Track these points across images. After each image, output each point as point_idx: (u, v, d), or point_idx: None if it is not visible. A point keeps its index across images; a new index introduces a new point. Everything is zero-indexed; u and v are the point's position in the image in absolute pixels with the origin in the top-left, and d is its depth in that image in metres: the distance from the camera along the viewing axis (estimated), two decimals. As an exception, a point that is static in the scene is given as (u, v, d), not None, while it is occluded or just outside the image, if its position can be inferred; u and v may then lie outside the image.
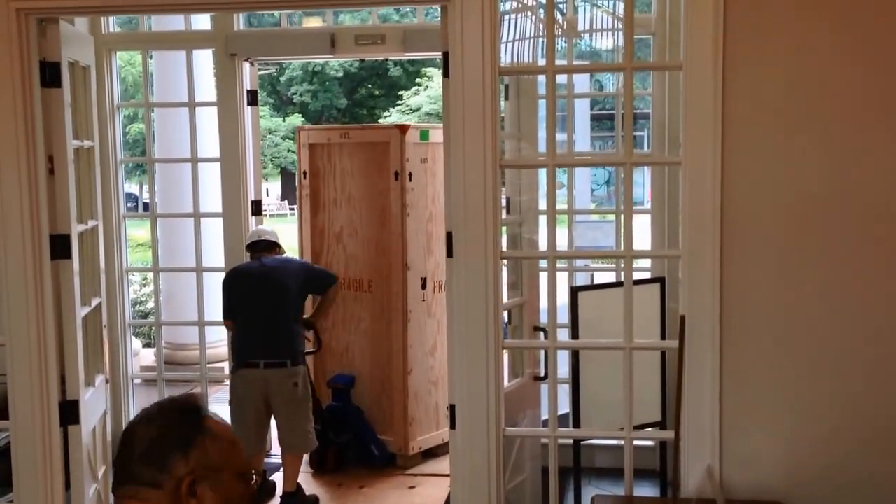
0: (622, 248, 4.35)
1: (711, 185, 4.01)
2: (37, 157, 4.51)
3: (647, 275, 6.21)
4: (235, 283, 6.36)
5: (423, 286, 6.99)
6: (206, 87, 7.99)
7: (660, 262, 6.33)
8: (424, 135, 6.95)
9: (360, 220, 7.13)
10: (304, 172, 7.31)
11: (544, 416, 5.20)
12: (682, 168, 4.11)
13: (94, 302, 5.28)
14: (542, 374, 5.30)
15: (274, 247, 6.44)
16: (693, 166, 4.05)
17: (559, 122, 6.88)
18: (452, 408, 4.40)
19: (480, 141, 4.17)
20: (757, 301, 4.08)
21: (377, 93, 35.05)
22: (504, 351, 4.47)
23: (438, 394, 7.16)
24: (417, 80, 32.86)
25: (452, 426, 4.41)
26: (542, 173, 4.79)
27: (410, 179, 6.84)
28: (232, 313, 6.36)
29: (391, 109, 33.60)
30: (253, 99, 7.03)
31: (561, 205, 7.22)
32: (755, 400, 4.12)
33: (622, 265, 4.49)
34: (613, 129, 7.27)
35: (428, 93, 31.58)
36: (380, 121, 34.28)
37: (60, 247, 4.67)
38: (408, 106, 32.39)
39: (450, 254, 4.32)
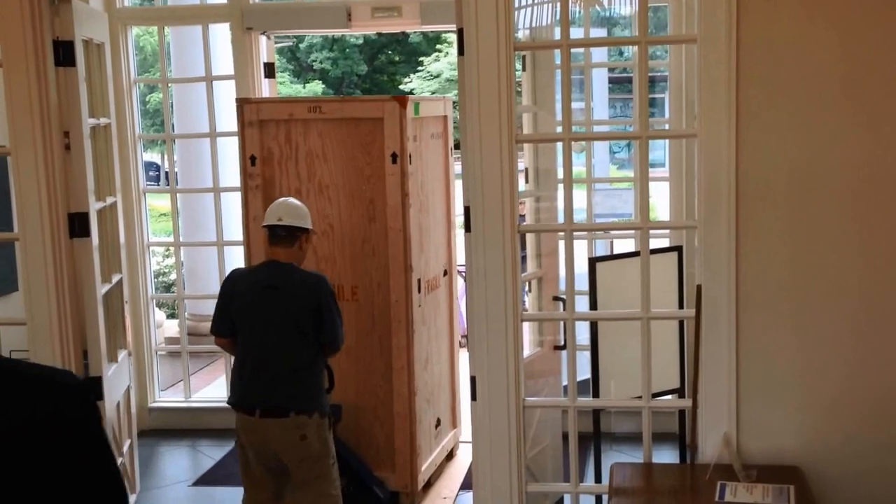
0: (639, 217, 4.35)
1: (726, 157, 4.00)
2: (52, 138, 4.55)
3: (667, 241, 6.21)
4: (233, 293, 4.90)
5: (419, 288, 5.99)
6: (224, 60, 7.99)
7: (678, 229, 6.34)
8: (417, 108, 5.96)
9: (338, 214, 5.89)
10: (252, 158, 5.91)
11: (565, 383, 5.23)
12: (698, 140, 4.10)
13: (115, 278, 5.33)
14: (562, 343, 5.33)
15: (295, 237, 4.87)
16: (708, 138, 4.03)
17: (577, 86, 6.86)
18: (473, 379, 4.42)
19: (496, 117, 4.16)
20: (772, 270, 4.08)
21: (397, 59, 34.95)
22: (523, 323, 4.48)
23: (431, 411, 6.34)
24: (438, 46, 32.71)
25: (473, 398, 4.44)
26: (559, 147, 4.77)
27: (411, 162, 5.79)
28: (227, 328, 4.91)
29: (412, 76, 33.48)
30: (270, 72, 7.04)
31: (579, 168, 7.26)
32: (771, 367, 4.12)
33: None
34: (632, 90, 7.24)
35: (449, 59, 31.42)
36: (400, 87, 34.15)
37: (79, 225, 4.71)
38: (428, 72, 32.29)
39: (468, 228, 4.33)
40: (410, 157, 5.77)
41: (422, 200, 6.04)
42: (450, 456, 6.76)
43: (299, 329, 4.76)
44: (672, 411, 5.94)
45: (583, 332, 5.32)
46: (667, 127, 7.05)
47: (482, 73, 4.14)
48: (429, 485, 6.27)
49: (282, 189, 5.87)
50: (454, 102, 5.50)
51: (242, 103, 5.95)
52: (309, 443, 4.73)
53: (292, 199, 5.12)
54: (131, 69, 7.03)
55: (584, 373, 5.03)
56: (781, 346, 4.11)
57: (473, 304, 4.38)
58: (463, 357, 6.32)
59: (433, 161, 6.29)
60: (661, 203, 12.13)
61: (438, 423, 6.45)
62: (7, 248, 6.09)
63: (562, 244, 4.63)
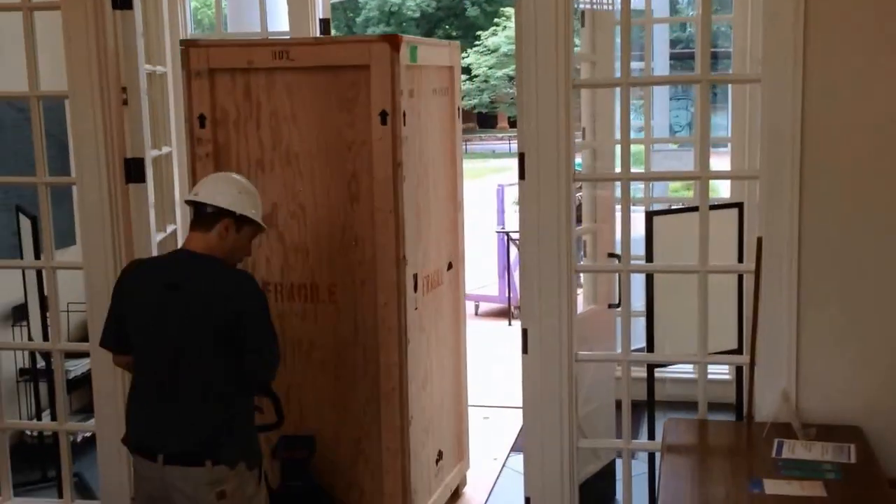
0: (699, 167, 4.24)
1: (791, 103, 3.87)
2: (109, 81, 4.54)
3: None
4: (125, 291, 3.77)
5: (415, 287, 4.76)
6: (282, 18, 7.95)
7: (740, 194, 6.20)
8: (414, 53, 4.68)
9: (312, 192, 4.67)
10: (202, 118, 4.66)
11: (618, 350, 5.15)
12: (762, 85, 3.99)
13: (170, 228, 5.33)
14: (617, 302, 5.25)
15: (213, 219, 3.71)
16: (772, 83, 3.91)
17: (636, 53, 6.74)
18: (525, 332, 4.36)
19: (553, 59, 4.07)
20: (837, 223, 3.94)
21: (454, 34, 34.88)
22: (577, 275, 4.40)
23: (431, 442, 5.11)
24: (496, 20, 32.60)
25: (525, 350, 4.38)
26: (617, 108, 4.68)
27: (406, 123, 4.56)
28: (121, 341, 3.77)
29: (469, 50, 33.40)
30: (326, 28, 6.97)
31: (637, 134, 7.15)
32: (833, 324, 3.99)
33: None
34: (694, 68, 7.09)
35: (506, 33, 31.30)
36: (457, 62, 34.00)
37: (135, 170, 4.70)
38: (486, 47, 32.23)
39: (522, 175, 4.26)
40: (405, 116, 4.55)
41: (419, 174, 4.82)
42: (455, 495, 5.66)
43: (207, 347, 3.58)
44: (728, 381, 5.83)
45: (638, 302, 5.21)
46: (729, 110, 6.86)
47: (539, 14, 4.05)
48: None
49: (239, 158, 4.71)
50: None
51: (188, 47, 4.68)
52: (227, 502, 3.56)
53: (232, 175, 4.05)
54: (188, 25, 7.01)
55: (638, 341, 4.95)
56: (845, 303, 3.98)
57: (525, 255, 4.32)
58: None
59: (436, 123, 5.10)
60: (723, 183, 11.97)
61: (440, 456, 5.24)
62: (65, 202, 6.13)
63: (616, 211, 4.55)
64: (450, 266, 5.36)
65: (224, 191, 3.74)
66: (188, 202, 3.80)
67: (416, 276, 4.73)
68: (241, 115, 4.69)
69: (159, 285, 3.64)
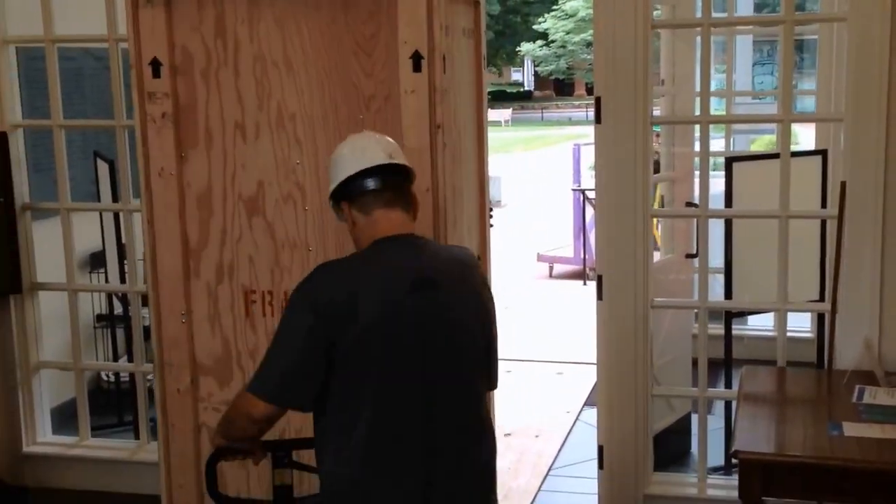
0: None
1: (879, 42, 3.75)
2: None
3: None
4: (350, 311, 2.47)
5: None
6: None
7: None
8: None
9: (314, 168, 3.48)
10: (155, 64, 3.46)
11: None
12: (848, 23, 3.87)
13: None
14: (694, 252, 5.15)
15: (410, 192, 2.70)
16: (859, 21, 3.79)
17: (717, 8, 6.58)
18: (600, 278, 4.30)
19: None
20: (926, 166, 3.82)
21: (531, -1, 34.65)
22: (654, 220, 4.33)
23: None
24: (573, -16, 32.27)
25: (600, 297, 4.32)
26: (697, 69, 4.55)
27: (445, 71, 3.38)
28: (310, 390, 2.52)
29: (545, 15, 33.14)
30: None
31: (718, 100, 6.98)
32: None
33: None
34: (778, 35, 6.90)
35: (584, -3, 30.96)
36: (534, 27, 33.83)
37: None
38: (563, 11, 31.93)
39: (598, 119, 4.19)
40: (444, 60, 3.36)
41: (454, 140, 3.59)
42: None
43: (482, 364, 2.68)
44: (810, 339, 5.71)
45: (716, 259, 5.08)
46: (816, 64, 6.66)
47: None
48: None
49: (209, 121, 3.53)
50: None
51: None
52: None
53: (377, 135, 2.85)
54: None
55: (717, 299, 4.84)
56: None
57: (602, 200, 4.26)
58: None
59: (465, 75, 3.92)
60: (804, 134, 11.75)
61: None
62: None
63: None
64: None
65: (398, 152, 2.74)
66: (382, 170, 2.63)
67: None
68: (211, 61, 3.51)
69: (400, 289, 2.51)
